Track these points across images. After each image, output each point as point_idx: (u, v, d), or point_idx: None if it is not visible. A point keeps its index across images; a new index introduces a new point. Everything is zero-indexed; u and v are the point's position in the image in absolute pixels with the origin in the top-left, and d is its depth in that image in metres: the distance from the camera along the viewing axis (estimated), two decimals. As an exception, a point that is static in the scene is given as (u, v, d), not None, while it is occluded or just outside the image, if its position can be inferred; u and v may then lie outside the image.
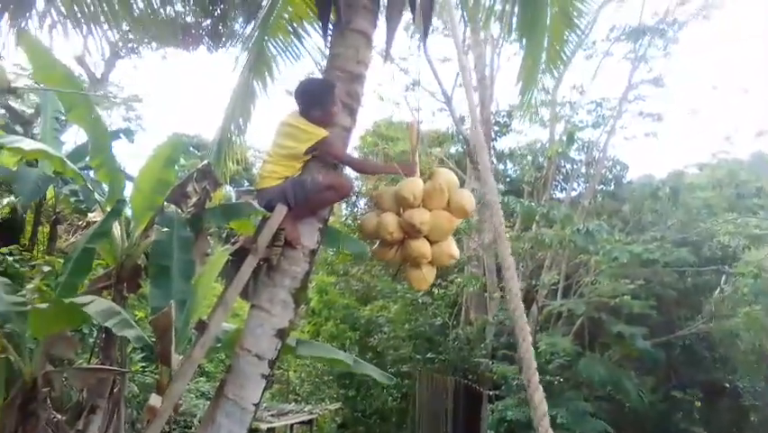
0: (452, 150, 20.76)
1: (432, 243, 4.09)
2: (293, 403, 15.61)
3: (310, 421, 14.82)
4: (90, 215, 7.30)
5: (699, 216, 15.74)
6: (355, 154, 20.84)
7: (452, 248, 4.26)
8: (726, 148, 19.81)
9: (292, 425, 14.14)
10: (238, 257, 3.71)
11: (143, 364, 11.26)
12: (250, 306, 3.73)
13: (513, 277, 3.48)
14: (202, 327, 3.54)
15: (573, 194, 18.33)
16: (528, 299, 15.67)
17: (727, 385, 16.37)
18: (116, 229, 6.66)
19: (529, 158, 18.45)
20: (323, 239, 3.85)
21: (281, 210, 3.63)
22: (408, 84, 18.38)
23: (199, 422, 10.43)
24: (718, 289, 15.54)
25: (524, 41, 6.19)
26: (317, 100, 3.83)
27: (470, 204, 4.23)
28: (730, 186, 15.24)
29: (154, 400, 3.57)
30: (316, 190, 3.68)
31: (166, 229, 6.34)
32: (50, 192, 8.68)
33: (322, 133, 3.75)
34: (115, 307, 5.27)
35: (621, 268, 13.75)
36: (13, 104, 11.82)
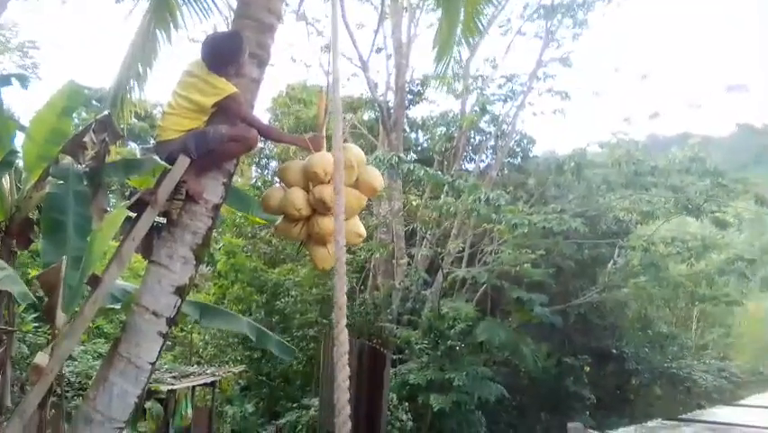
0: (366, 116, 20.69)
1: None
2: (195, 366, 15.34)
3: (213, 384, 14.62)
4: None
5: (599, 192, 16.49)
6: (266, 116, 20.44)
7: (358, 226, 4.22)
8: (625, 128, 20.78)
9: (194, 387, 13.90)
10: (137, 210, 3.54)
11: (36, 325, 10.73)
12: (148, 262, 3.59)
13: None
14: (95, 281, 3.38)
15: (482, 165, 18.79)
16: (434, 267, 16.04)
17: (614, 351, 17.49)
18: (5, 180, 6.25)
19: (442, 128, 18.69)
20: (227, 194, 3.73)
21: (183, 162, 3.48)
22: (323, 46, 18.08)
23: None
24: (612, 261, 16.44)
25: (440, 9, 6.19)
26: (227, 59, 3.67)
27: (379, 182, 4.20)
28: (628, 164, 16.01)
29: (40, 358, 3.38)
30: (220, 142, 3.54)
31: (61, 182, 6.00)
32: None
33: (230, 88, 3.60)
34: (1, 262, 4.95)
35: (523, 238, 14.23)
36: None
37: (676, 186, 15.52)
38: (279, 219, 4.20)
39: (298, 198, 3.93)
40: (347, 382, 2.53)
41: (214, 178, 3.65)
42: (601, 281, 16.58)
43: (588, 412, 15.77)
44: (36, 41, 21.06)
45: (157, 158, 4.18)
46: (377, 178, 4.19)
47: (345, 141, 4.10)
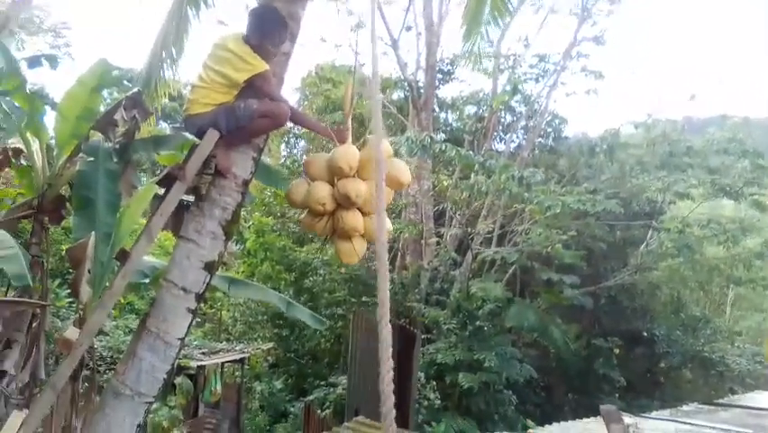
0: (395, 96, 20.51)
1: (364, 215, 3.89)
2: (225, 342, 15.53)
3: (242, 360, 14.79)
4: (9, 141, 6.89)
5: (632, 173, 16.17)
6: (295, 96, 20.37)
7: (386, 221, 4.13)
8: (661, 108, 20.32)
9: (223, 363, 14.08)
10: (165, 186, 3.51)
11: (70, 301, 10.93)
12: (177, 237, 3.56)
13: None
14: (124, 256, 3.37)
15: (512, 146, 18.54)
16: (463, 247, 15.93)
17: (645, 334, 17.24)
18: (37, 157, 6.31)
19: (472, 108, 18.45)
20: (256, 169, 3.67)
21: (212, 136, 3.43)
22: (353, 25, 17.90)
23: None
24: (644, 243, 16.16)
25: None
26: (268, 29, 3.57)
27: (406, 175, 4.06)
28: (663, 144, 15.65)
29: (70, 332, 3.39)
30: (250, 118, 3.47)
31: (91, 159, 6.03)
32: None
33: (262, 66, 3.51)
34: (9, 239, 4.97)
35: (554, 219, 14.06)
36: None
37: (713, 167, 15.15)
38: (305, 213, 4.11)
39: (322, 192, 3.83)
40: (391, 375, 2.36)
41: (243, 152, 3.59)
42: (633, 263, 16.32)
43: (617, 395, 15.60)
44: (68, 21, 21.22)
45: (186, 134, 4.14)
46: (404, 171, 4.05)
47: (367, 127, 3.98)
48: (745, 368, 17.32)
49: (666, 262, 15.54)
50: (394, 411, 2.36)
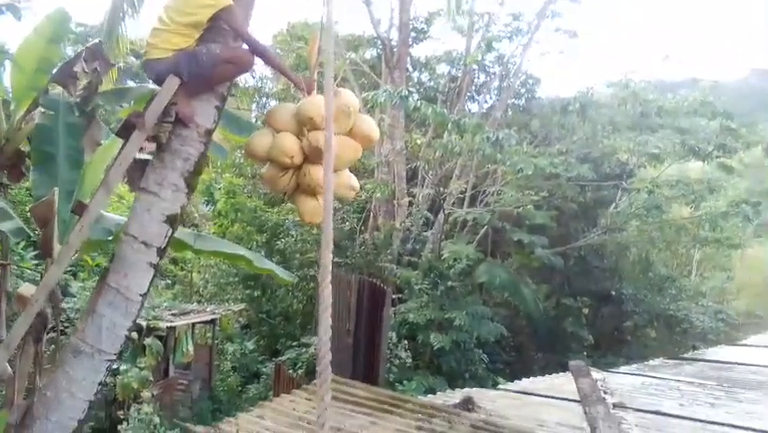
0: (368, 55, 20.19)
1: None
2: (196, 304, 15.42)
3: (213, 321, 14.72)
4: (-35, 94, 6.59)
5: (604, 133, 16.21)
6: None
7: (352, 179, 3.95)
8: (634, 69, 20.31)
9: (194, 325, 13.99)
10: (124, 136, 3.35)
11: (36, 262, 10.69)
12: (138, 190, 3.42)
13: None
14: (81, 209, 3.22)
15: (485, 107, 18.42)
16: (435, 207, 15.93)
17: (613, 293, 17.56)
18: (-7, 110, 6.04)
19: (445, 67, 18.25)
20: (219, 119, 3.51)
21: (172, 83, 3.26)
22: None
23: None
24: (614, 204, 16.31)
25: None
26: None
27: (376, 132, 3.92)
28: (634, 105, 15.66)
29: (25, 288, 3.27)
30: (213, 64, 3.30)
31: (51, 113, 5.79)
32: None
33: (225, 1, 3.36)
34: (-9, 196, 4.78)
35: (526, 180, 14.08)
36: None
37: (684, 128, 15.24)
38: (266, 167, 3.90)
39: (290, 144, 3.63)
40: (329, 334, 2.54)
41: (206, 101, 3.43)
42: (603, 224, 16.49)
43: (585, 353, 15.90)
44: (28, -28, 20.33)
45: (151, 85, 3.96)
46: (373, 127, 3.91)
47: (340, 86, 3.82)
48: (708, 325, 17.79)
49: (635, 223, 15.72)
50: (330, 368, 2.56)
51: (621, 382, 6.28)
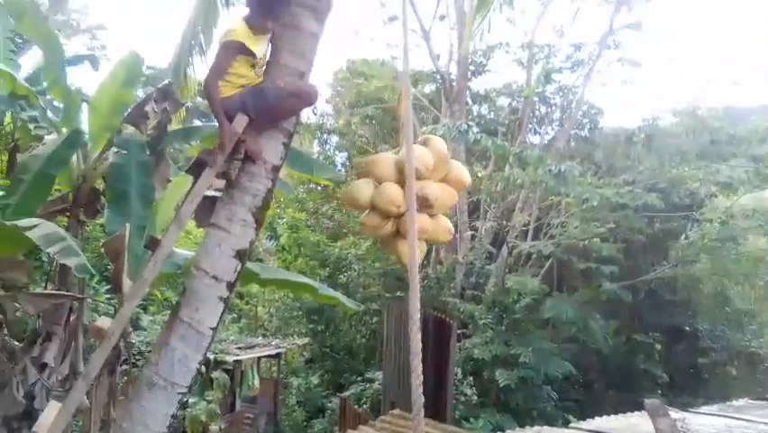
0: (427, 89, 20.32)
1: (431, 216, 3.88)
2: (261, 338, 15.59)
3: (278, 355, 14.84)
4: (47, 137, 6.95)
5: (671, 163, 15.74)
6: (328, 91, 20.27)
7: (449, 223, 4.12)
8: (703, 96, 19.70)
9: (259, 358, 14.14)
10: (195, 173, 3.44)
11: (109, 297, 11.05)
12: (208, 225, 3.49)
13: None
14: (154, 244, 3.31)
15: (547, 138, 18.21)
16: (498, 240, 15.71)
17: (687, 328, 16.79)
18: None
19: (505, 99, 18.17)
20: (286, 155, 3.58)
21: (241, 120, 3.34)
22: (385, 19, 17.76)
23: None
24: (684, 235, 15.71)
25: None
26: (265, 6, 3.48)
27: (468, 177, 4.15)
28: (703, 133, 15.18)
29: (101, 321, 3.36)
30: (278, 98, 3.37)
31: (124, 152, 6.04)
32: (7, 119, 8.31)
33: (225, 36, 3.45)
34: (61, 232, 4.98)
35: (591, 211, 13.76)
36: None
37: (758, 156, 14.65)
38: (364, 214, 4.03)
39: (397, 194, 3.76)
40: (420, 380, 2.74)
41: (273, 137, 3.50)
42: (673, 256, 15.86)
43: (659, 391, 15.21)
44: (104, 23, 21.50)
45: (216, 124, 4.06)
46: (465, 173, 4.14)
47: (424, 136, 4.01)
48: (795, 364, 16.79)
49: (709, 255, 15.07)
50: (423, 398, 2.73)
51: (702, 422, 5.95)
